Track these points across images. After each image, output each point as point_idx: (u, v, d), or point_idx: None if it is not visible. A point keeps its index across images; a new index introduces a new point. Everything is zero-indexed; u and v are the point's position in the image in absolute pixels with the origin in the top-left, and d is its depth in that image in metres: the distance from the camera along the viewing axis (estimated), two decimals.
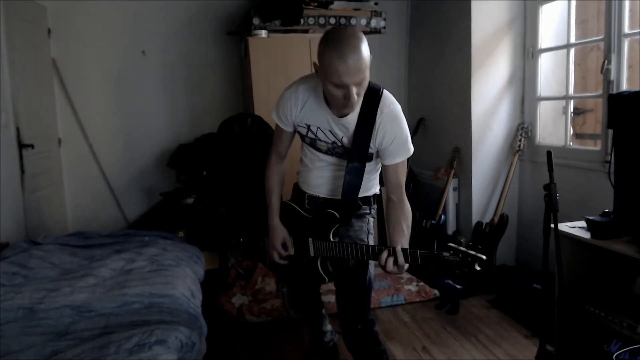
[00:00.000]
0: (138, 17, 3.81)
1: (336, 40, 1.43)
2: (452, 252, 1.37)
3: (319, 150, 1.76)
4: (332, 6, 3.42)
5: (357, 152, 1.65)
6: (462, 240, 3.54)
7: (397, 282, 3.20)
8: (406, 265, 1.49)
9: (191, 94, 4.00)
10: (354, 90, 1.46)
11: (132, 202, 3.97)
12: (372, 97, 1.61)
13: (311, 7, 3.36)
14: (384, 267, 1.50)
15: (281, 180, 1.88)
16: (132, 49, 3.83)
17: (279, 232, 1.82)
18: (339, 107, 1.56)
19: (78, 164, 3.83)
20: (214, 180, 3.34)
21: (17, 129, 3.07)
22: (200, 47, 3.95)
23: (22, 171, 3.11)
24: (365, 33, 3.44)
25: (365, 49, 1.44)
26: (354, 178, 1.68)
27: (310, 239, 1.74)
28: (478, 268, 1.34)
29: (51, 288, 2.06)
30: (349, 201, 1.71)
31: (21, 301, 1.93)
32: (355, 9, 3.47)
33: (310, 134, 1.72)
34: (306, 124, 1.70)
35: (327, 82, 1.48)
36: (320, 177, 1.80)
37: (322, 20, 3.38)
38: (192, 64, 3.96)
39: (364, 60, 1.44)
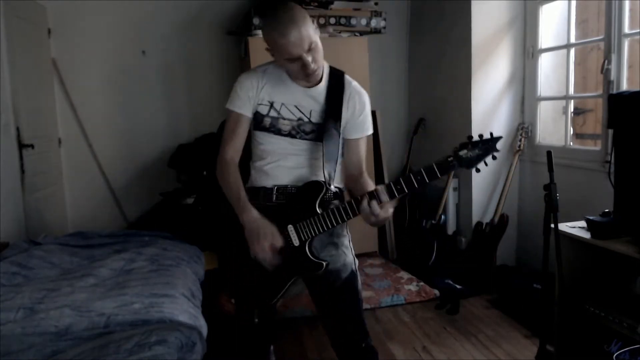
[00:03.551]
0: (138, 17, 3.80)
1: (273, 21, 1.50)
2: (470, 146, 1.38)
3: (279, 132, 1.64)
4: (332, 6, 3.42)
5: (330, 116, 1.63)
6: (463, 240, 3.54)
7: (398, 282, 3.20)
8: (390, 210, 1.47)
9: (191, 93, 4.00)
10: (309, 58, 1.51)
11: (132, 202, 3.97)
12: (337, 73, 1.69)
13: (311, 7, 3.36)
14: (370, 215, 1.44)
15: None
16: (132, 49, 3.83)
17: (264, 224, 1.54)
18: (304, 78, 1.59)
19: (78, 164, 3.83)
20: (214, 180, 3.33)
21: (17, 129, 3.06)
22: (200, 47, 3.95)
23: (22, 171, 3.10)
24: (365, 33, 3.51)
25: (301, 16, 1.50)
26: (331, 145, 1.62)
27: (290, 226, 1.56)
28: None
29: (51, 288, 2.06)
30: (329, 169, 1.62)
31: (21, 301, 1.93)
32: (355, 9, 3.47)
33: (272, 112, 1.63)
34: (269, 101, 1.63)
35: (281, 60, 1.54)
36: (283, 167, 1.66)
37: (322, 20, 3.38)
38: (192, 64, 3.96)
39: (304, 28, 1.48)
